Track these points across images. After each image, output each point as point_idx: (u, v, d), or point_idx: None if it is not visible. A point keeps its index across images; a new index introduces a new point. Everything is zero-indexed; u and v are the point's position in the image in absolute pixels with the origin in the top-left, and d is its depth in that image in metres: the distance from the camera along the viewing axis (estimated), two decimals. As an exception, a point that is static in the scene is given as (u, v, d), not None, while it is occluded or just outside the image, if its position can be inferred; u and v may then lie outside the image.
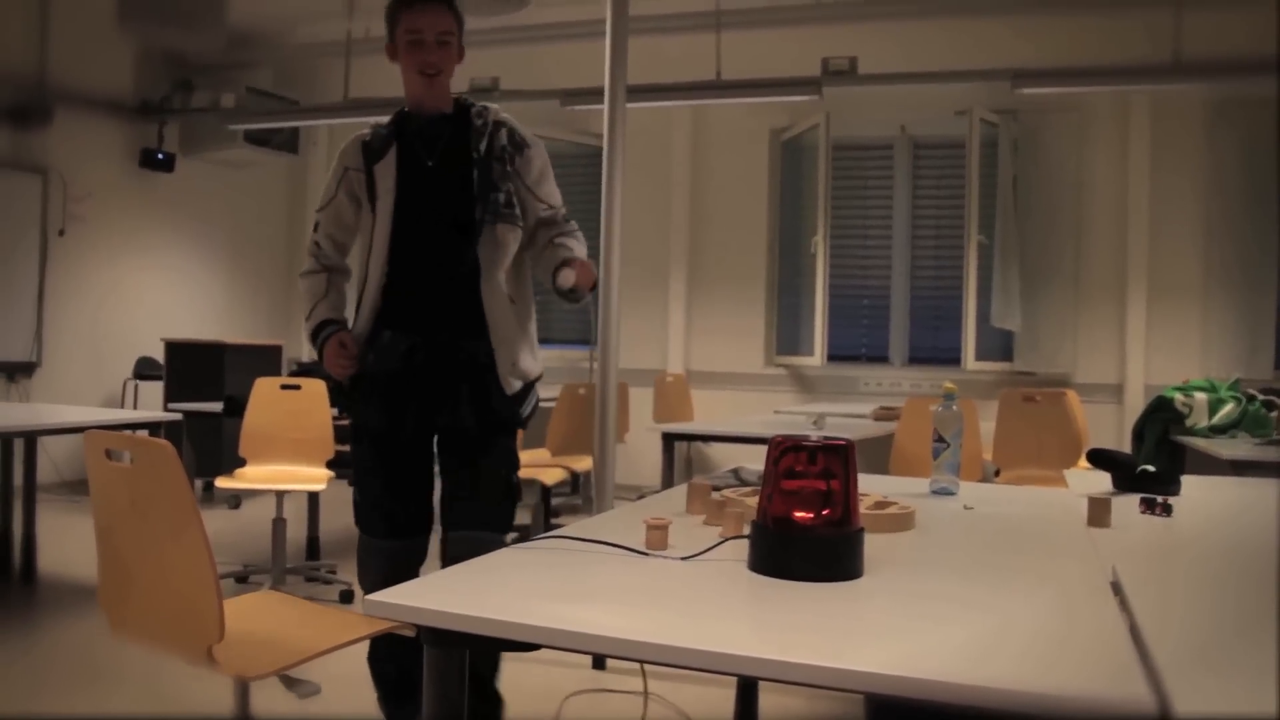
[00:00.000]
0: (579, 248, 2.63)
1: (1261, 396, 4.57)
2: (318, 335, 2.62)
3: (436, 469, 2.66)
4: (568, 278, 2.45)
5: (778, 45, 6.69)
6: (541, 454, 5.49)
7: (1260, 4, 5.45)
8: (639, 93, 4.79)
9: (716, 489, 2.06)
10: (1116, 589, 1.43)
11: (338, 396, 2.74)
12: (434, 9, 2.53)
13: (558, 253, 2.59)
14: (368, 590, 2.51)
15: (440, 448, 2.63)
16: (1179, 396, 4.66)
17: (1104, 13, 6.37)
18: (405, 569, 2.47)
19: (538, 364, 2.66)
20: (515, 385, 2.58)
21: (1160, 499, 2.15)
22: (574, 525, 1.85)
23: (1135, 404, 6.46)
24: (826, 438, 1.56)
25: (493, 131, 2.58)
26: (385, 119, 2.64)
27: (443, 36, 2.53)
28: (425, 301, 2.55)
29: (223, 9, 5.76)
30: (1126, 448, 5.02)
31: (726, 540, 1.67)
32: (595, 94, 3.92)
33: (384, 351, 2.56)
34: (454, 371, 2.55)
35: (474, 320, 2.54)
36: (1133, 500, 2.18)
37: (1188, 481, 2.46)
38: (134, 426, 4.49)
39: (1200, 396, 4.61)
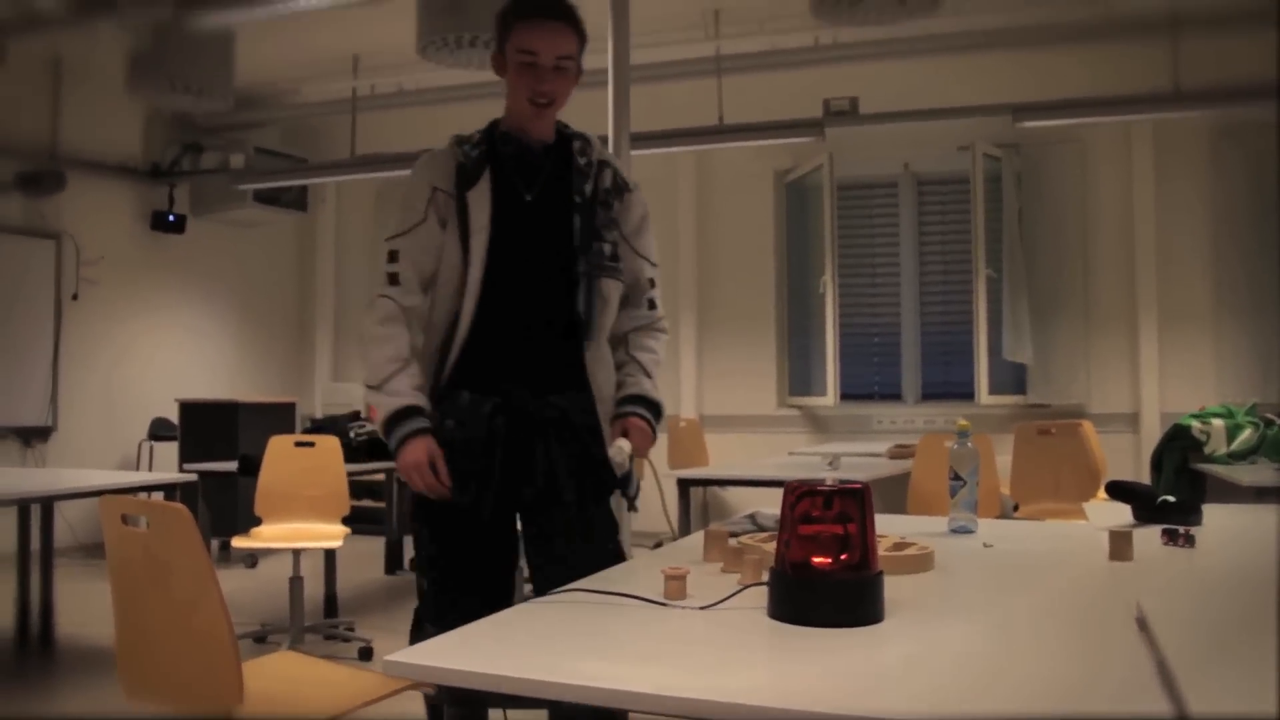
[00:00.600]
0: (655, 357, 2.31)
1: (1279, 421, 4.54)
2: (397, 424, 2.13)
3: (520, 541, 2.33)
4: (622, 454, 2.15)
5: (778, 88, 6.75)
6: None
7: (1256, 30, 5.48)
8: (643, 140, 4.82)
9: (734, 535, 2.04)
10: (1142, 625, 1.41)
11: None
12: (554, 27, 2.16)
13: (625, 381, 2.28)
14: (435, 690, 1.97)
15: (529, 520, 2.28)
16: (1196, 424, 4.63)
17: (1102, 44, 6.41)
18: None
19: None
20: (625, 465, 2.22)
21: (1182, 530, 2.13)
22: (592, 576, 1.84)
23: (1151, 433, 6.41)
24: (842, 481, 1.55)
25: (598, 173, 2.26)
26: (474, 134, 2.25)
27: (562, 61, 2.16)
28: (513, 358, 2.21)
29: (230, 72, 5.83)
30: (1144, 477, 4.99)
31: (745, 588, 1.65)
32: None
33: (467, 417, 2.19)
34: (539, 432, 2.21)
35: (571, 381, 2.23)
36: (1154, 532, 2.16)
37: (1209, 510, 2.43)
38: (150, 489, 4.50)
39: (1218, 423, 4.58)
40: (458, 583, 2.21)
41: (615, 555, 2.27)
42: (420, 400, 2.15)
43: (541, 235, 2.23)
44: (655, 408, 2.27)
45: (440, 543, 2.23)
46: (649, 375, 2.28)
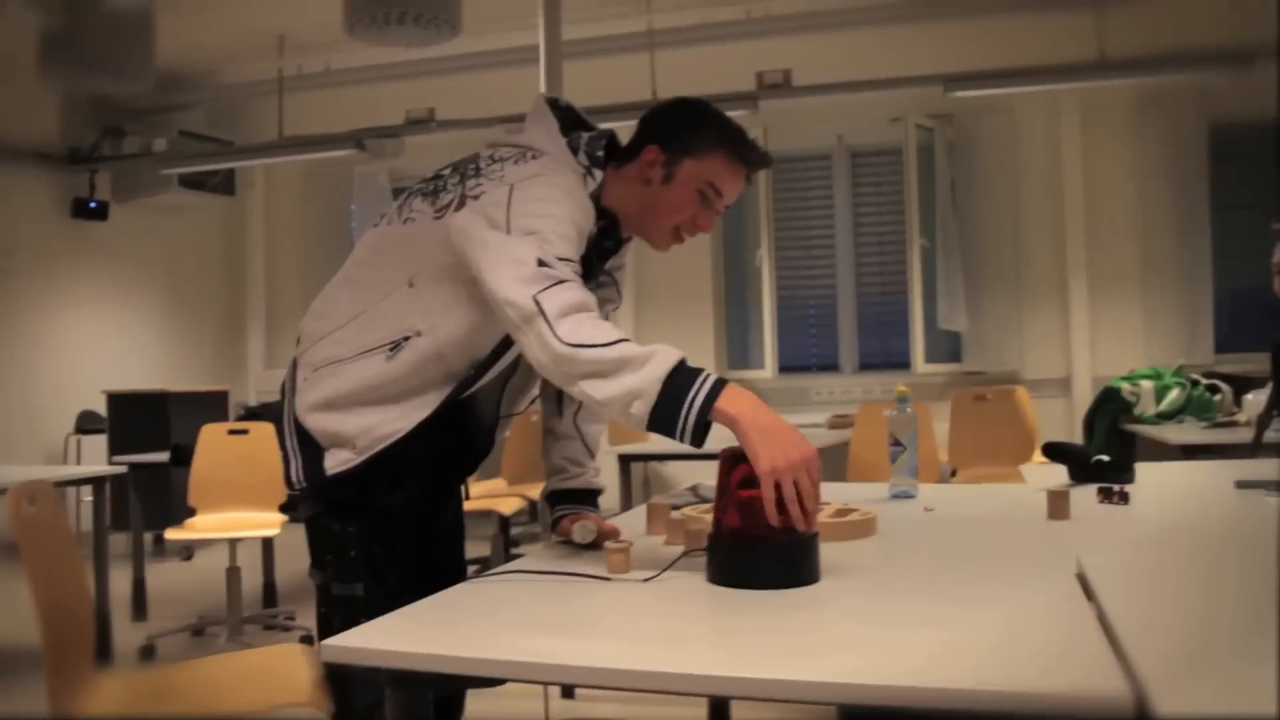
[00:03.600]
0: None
1: (1205, 380, 4.65)
2: (696, 372, 1.57)
3: None
4: (586, 533, 1.84)
5: (712, 61, 6.73)
6: (498, 484, 5.44)
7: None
8: (576, 115, 4.78)
9: (676, 508, 2.03)
10: (1082, 580, 1.42)
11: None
12: (749, 177, 1.99)
13: (577, 463, 2.07)
14: None
15: None
16: (1126, 386, 4.72)
17: (1030, 14, 6.49)
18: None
19: None
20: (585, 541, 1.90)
21: (1117, 488, 2.16)
22: (534, 554, 1.82)
23: (1083, 396, 6.54)
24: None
25: None
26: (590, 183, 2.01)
27: (730, 203, 2.01)
28: (481, 413, 2.03)
29: (150, 52, 5.65)
30: (1077, 440, 5.08)
31: (684, 554, 1.64)
32: (532, 118, 3.89)
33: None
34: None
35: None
36: (1090, 491, 2.19)
37: (1141, 468, 2.48)
38: (77, 483, 4.38)
39: (1146, 384, 4.68)
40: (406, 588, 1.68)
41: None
42: None
43: None
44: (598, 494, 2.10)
45: (383, 543, 1.89)
46: (593, 454, 2.11)
